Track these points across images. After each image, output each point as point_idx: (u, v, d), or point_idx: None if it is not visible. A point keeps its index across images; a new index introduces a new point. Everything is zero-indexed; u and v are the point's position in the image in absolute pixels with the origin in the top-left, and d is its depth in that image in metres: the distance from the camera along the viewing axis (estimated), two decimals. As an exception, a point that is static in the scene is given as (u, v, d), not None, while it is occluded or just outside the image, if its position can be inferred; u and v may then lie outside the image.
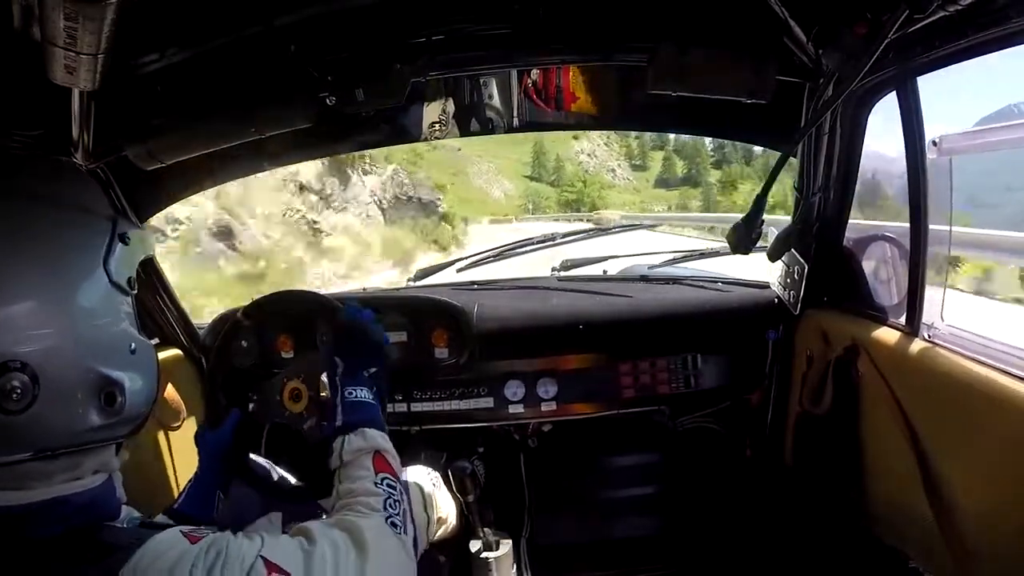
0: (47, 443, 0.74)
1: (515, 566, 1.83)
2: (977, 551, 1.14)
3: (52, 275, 0.76)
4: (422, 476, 1.65)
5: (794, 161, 1.61)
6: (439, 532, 1.62)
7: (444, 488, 1.69)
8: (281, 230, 12.68)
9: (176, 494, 1.70)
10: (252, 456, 1.53)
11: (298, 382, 1.43)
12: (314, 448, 1.43)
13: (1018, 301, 6.07)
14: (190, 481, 1.33)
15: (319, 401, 1.42)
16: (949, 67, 1.18)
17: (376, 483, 1.01)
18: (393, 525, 0.96)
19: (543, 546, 1.99)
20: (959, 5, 0.97)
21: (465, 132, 1.89)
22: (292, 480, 1.50)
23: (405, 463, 1.73)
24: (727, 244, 1.49)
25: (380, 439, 1.08)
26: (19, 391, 0.70)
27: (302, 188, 13.99)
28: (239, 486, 1.44)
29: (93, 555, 0.73)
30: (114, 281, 0.82)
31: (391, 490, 1.01)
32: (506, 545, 1.77)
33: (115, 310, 0.83)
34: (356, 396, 1.15)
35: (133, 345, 0.83)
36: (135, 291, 0.86)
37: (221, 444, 1.37)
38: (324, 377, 1.43)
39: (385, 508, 0.98)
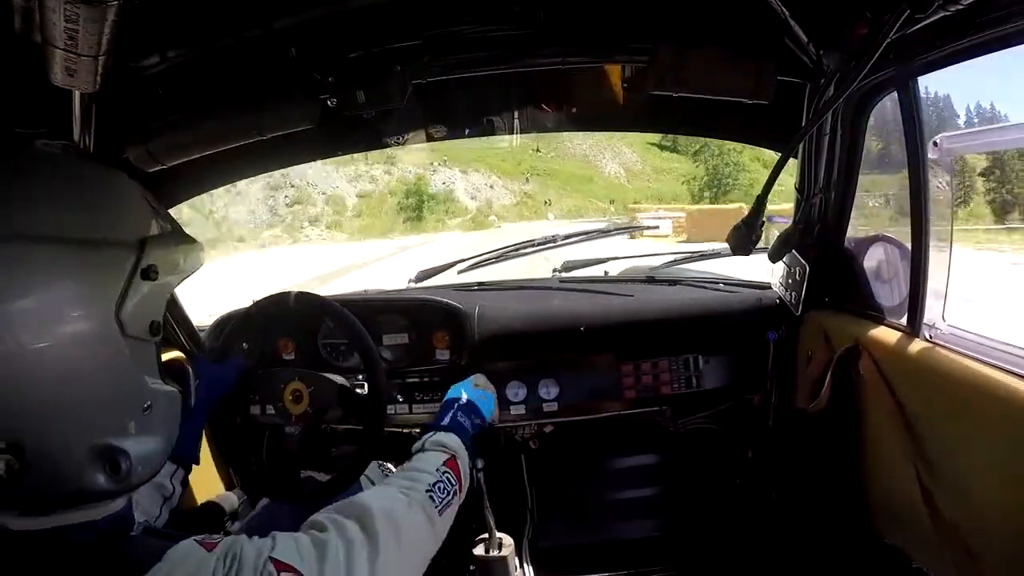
0: (47, 505, 0.69)
1: (517, 568, 1.82)
2: (980, 551, 1.14)
3: (41, 338, 0.63)
4: (373, 471, 1.64)
5: (794, 162, 1.60)
6: None
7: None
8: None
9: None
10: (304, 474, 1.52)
11: (300, 383, 1.43)
12: (311, 452, 1.43)
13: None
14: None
15: (319, 403, 1.42)
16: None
17: (437, 469, 1.09)
18: (431, 499, 1.02)
19: (545, 548, 1.99)
20: (960, 5, 0.97)
21: (466, 134, 1.90)
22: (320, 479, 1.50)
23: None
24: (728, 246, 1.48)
25: (463, 452, 1.18)
26: (3, 471, 0.63)
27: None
28: (273, 504, 1.44)
29: (117, 569, 0.72)
30: (129, 334, 0.70)
31: (449, 484, 1.08)
32: (508, 547, 1.77)
33: (126, 367, 0.71)
34: (463, 423, 1.29)
35: (148, 403, 0.73)
36: (159, 337, 0.75)
37: (222, 382, 1.36)
38: (329, 376, 1.44)
39: (431, 488, 1.04)
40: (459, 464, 1.15)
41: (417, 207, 28.14)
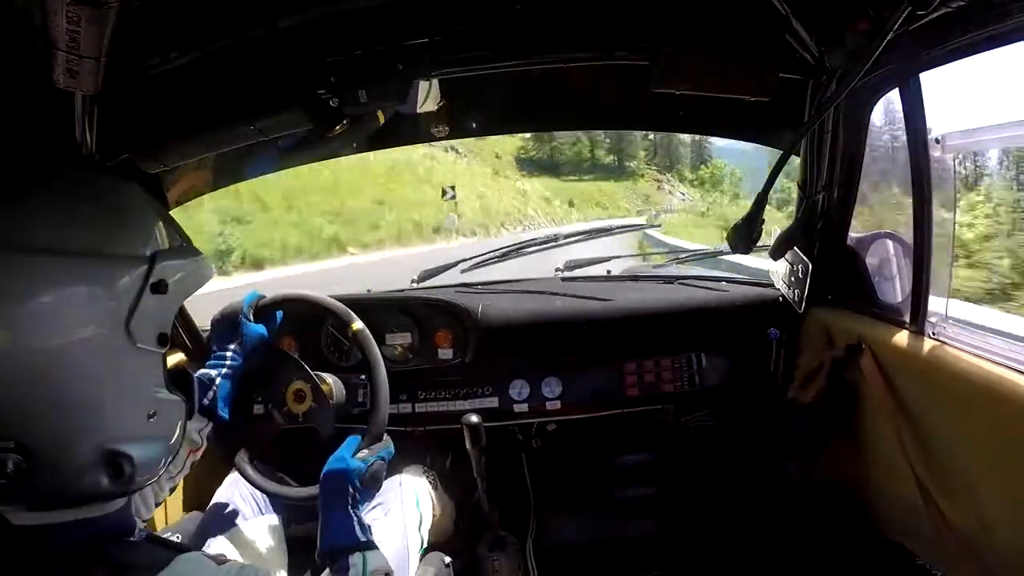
0: (52, 503, 0.70)
1: (521, 567, 1.83)
2: (984, 548, 1.14)
3: (53, 346, 0.65)
4: (417, 475, 1.65)
5: (795, 159, 1.60)
6: (433, 531, 1.62)
7: (440, 488, 1.69)
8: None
9: (181, 496, 1.71)
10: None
11: (302, 383, 1.43)
12: (310, 451, 1.43)
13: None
14: (217, 376, 1.23)
15: (321, 401, 1.42)
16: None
17: None
18: None
19: (548, 546, 1.99)
20: (961, 2, 0.97)
21: (468, 132, 1.90)
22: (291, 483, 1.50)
23: (408, 463, 1.74)
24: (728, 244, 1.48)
25: (385, 560, 1.11)
26: (11, 470, 0.64)
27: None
28: (231, 487, 1.44)
29: (120, 573, 0.72)
30: (138, 345, 0.71)
31: None
32: (511, 545, 1.77)
33: (134, 376, 0.73)
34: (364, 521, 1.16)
35: (152, 410, 0.75)
36: (167, 347, 0.76)
37: (263, 335, 1.30)
38: (329, 378, 1.44)
39: None
40: None
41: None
